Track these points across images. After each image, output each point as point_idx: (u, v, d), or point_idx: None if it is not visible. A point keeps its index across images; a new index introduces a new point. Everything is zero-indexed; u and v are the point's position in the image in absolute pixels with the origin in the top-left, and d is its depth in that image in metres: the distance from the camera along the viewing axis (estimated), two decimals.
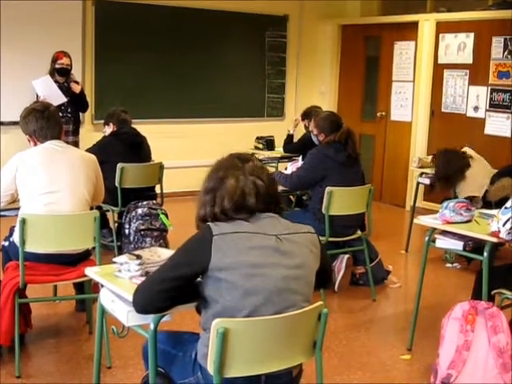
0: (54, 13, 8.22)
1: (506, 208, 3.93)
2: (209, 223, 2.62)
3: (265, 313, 2.55)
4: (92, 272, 3.27)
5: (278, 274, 2.58)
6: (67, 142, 7.58)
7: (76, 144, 7.49)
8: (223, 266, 2.53)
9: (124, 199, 6.18)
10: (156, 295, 2.65)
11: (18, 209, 4.23)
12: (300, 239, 2.68)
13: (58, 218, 4.11)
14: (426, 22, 8.97)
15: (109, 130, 6.48)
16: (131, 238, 6.00)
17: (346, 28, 10.27)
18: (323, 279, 2.85)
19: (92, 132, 8.31)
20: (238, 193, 2.62)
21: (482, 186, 6.42)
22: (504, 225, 3.89)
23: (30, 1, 7.95)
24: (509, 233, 3.90)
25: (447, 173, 6.52)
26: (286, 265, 2.60)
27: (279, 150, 7.88)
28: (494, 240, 4.08)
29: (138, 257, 3.10)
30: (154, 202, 6.29)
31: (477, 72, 8.42)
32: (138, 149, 6.45)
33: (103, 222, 5.41)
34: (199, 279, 2.64)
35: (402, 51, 9.42)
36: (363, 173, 5.85)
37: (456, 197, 6.19)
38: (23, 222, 3.96)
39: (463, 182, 6.48)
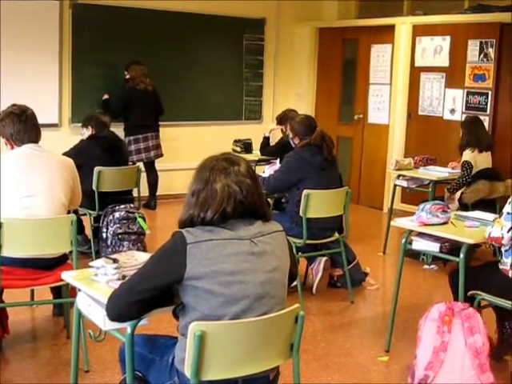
0: (30, 14, 8.16)
1: (508, 214, 3.92)
2: (182, 230, 2.58)
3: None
4: (68, 276, 3.25)
5: (256, 279, 2.57)
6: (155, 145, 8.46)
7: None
8: (199, 275, 2.51)
9: (101, 203, 6.16)
10: (130, 306, 2.65)
11: None
12: (273, 240, 2.67)
13: (34, 222, 4.09)
14: (403, 25, 9.01)
15: (87, 133, 6.43)
16: (109, 242, 5.97)
17: (323, 31, 10.29)
18: (291, 275, 2.82)
19: (70, 135, 8.22)
20: (218, 200, 2.57)
21: None
22: (509, 231, 3.90)
23: (5, 1, 7.87)
24: None
25: None
26: (263, 269, 2.60)
27: (257, 153, 7.88)
28: (471, 242, 4.13)
29: (115, 260, 3.09)
30: (132, 205, 6.27)
31: (453, 75, 8.47)
32: (116, 152, 6.42)
33: (79, 228, 5.32)
34: (176, 286, 2.62)
35: (379, 54, 9.45)
36: (340, 175, 5.89)
37: None
38: None
39: None
